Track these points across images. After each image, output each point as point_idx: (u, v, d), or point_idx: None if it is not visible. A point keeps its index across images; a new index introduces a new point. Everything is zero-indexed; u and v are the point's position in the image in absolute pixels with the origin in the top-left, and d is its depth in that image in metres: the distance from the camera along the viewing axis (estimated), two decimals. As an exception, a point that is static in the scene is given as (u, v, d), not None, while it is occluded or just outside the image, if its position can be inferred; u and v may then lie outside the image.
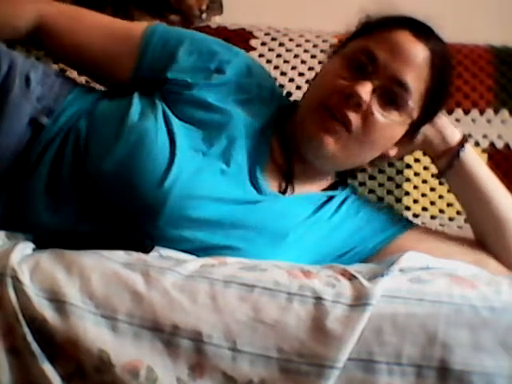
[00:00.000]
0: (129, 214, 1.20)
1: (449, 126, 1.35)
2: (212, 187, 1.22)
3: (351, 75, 1.25)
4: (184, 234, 1.19)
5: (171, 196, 1.18)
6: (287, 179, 1.32)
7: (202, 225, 1.20)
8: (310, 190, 1.35)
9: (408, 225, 1.38)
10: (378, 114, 1.24)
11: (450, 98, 1.41)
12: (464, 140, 1.34)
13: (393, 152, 1.34)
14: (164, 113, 1.25)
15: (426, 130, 1.33)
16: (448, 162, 1.34)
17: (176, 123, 1.24)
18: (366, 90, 1.22)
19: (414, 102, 1.26)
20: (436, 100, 1.30)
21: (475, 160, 1.35)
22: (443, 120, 1.35)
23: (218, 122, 1.27)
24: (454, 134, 1.34)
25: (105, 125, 1.25)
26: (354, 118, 1.23)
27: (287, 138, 1.32)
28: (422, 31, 1.27)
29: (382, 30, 1.28)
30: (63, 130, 1.27)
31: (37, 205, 1.23)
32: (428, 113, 1.30)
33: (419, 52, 1.25)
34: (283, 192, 1.31)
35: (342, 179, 1.41)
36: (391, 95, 1.24)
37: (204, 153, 1.24)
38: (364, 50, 1.26)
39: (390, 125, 1.26)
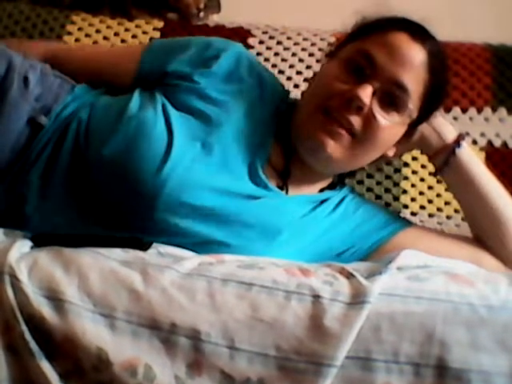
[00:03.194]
0: (124, 204, 1.20)
1: (445, 124, 1.36)
2: (209, 177, 1.23)
3: (350, 78, 1.25)
4: (179, 225, 1.19)
5: (168, 184, 1.18)
6: (284, 179, 1.32)
7: (196, 215, 1.20)
8: (308, 191, 1.35)
9: (405, 223, 1.38)
10: (380, 116, 1.24)
11: (447, 97, 1.41)
12: (460, 138, 1.34)
13: (391, 152, 1.34)
14: (163, 105, 1.27)
15: (423, 128, 1.34)
16: (444, 159, 1.34)
17: (174, 114, 1.26)
18: (366, 93, 1.22)
19: (413, 104, 1.26)
20: (434, 100, 1.30)
21: (471, 158, 1.35)
22: (439, 118, 1.36)
23: (216, 116, 1.27)
24: (450, 132, 1.35)
25: (106, 115, 1.27)
26: (356, 121, 1.24)
27: (288, 139, 1.32)
28: (419, 33, 1.27)
29: (378, 32, 1.28)
30: (63, 125, 1.28)
31: (33, 199, 1.23)
32: (426, 112, 1.31)
33: (417, 54, 1.25)
34: (281, 190, 1.31)
35: (340, 179, 1.41)
36: (391, 97, 1.24)
37: (203, 143, 1.25)
38: (362, 52, 1.26)
39: (392, 126, 1.26)
